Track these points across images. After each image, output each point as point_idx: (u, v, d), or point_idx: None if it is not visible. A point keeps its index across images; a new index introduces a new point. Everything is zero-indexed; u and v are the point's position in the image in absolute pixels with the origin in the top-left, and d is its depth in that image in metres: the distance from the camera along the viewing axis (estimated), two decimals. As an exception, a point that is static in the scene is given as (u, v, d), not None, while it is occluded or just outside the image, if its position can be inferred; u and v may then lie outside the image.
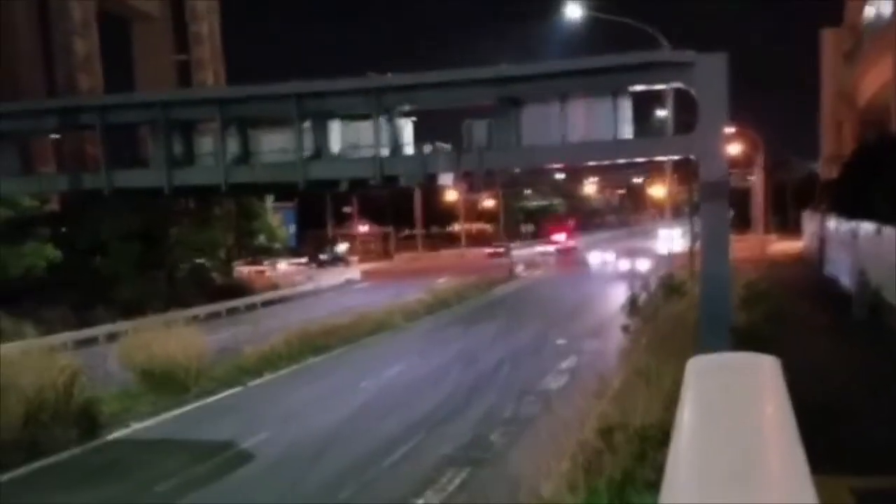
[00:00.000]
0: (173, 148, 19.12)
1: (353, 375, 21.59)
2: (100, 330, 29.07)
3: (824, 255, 35.64)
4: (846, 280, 25.69)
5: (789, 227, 59.27)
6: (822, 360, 15.49)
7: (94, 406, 17.37)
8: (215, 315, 34.97)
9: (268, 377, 21.86)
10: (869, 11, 43.58)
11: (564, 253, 67.38)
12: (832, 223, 31.91)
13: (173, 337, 22.45)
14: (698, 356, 3.14)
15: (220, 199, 35.27)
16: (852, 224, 24.23)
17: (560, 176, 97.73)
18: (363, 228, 73.13)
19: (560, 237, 76.70)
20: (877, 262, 20.12)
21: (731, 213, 18.62)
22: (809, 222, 44.54)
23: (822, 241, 36.78)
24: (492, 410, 16.93)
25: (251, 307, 38.38)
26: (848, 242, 25.75)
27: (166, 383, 19.99)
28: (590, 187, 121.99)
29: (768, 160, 63.04)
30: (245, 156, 18.83)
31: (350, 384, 20.54)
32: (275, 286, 45.25)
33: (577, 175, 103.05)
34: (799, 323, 20.01)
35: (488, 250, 69.31)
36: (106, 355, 22.26)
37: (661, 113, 18.35)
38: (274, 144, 18.72)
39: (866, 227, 21.56)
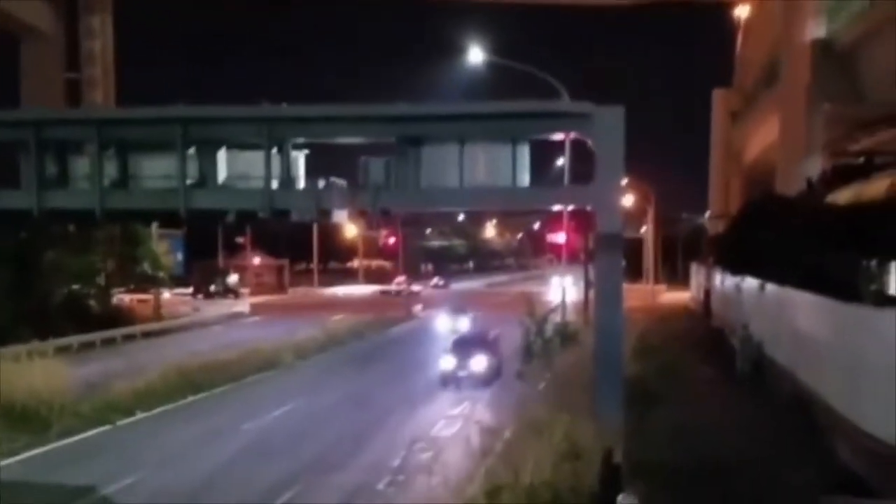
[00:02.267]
0: (47, 169, 17.75)
1: (234, 416, 20.44)
2: (-43, 359, 26.70)
3: (710, 307, 36.90)
4: (730, 333, 26.48)
5: (678, 277, 61.57)
6: (709, 417, 15.78)
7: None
8: (89, 346, 32.85)
9: (140, 416, 20.45)
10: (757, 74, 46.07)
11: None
12: (718, 277, 33.06)
13: (38, 369, 21.01)
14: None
15: (100, 223, 33.50)
16: (737, 279, 25.03)
17: (461, 217, 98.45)
18: (256, 260, 71.04)
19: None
20: (759, 318, 20.75)
21: (624, 263, 18.84)
22: (696, 275, 46.19)
23: (708, 293, 38.13)
24: (380, 458, 16.25)
25: (129, 338, 36.24)
26: (732, 297, 26.59)
27: (27, 420, 18.53)
28: (490, 230, 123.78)
29: (659, 213, 65.50)
30: (124, 180, 17.62)
31: (231, 425, 19.41)
32: (157, 317, 43.09)
33: (478, 217, 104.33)
34: (687, 377, 20.39)
35: (383, 288, 67.03)
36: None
37: (560, 162, 18.45)
38: (156, 170, 17.61)
39: (750, 282, 22.26)
